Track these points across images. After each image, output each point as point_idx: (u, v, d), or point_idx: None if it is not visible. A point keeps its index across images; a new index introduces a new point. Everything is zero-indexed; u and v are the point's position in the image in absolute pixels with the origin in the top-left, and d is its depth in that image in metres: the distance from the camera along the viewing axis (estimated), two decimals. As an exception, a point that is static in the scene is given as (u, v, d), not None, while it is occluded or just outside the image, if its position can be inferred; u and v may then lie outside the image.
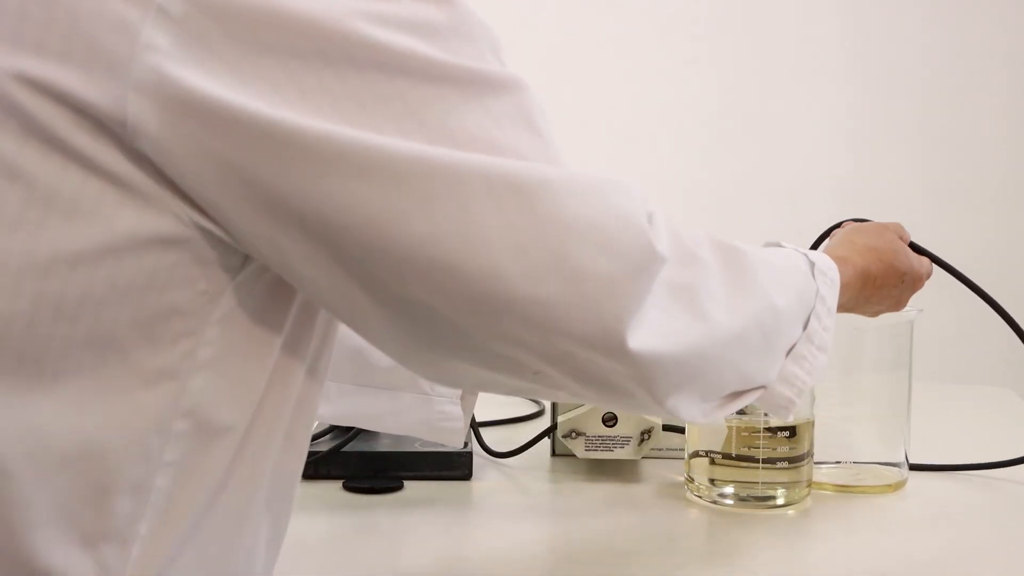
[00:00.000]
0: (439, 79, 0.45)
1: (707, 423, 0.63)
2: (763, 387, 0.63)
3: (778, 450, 0.81)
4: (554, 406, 0.97)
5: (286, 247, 0.45)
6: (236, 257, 0.47)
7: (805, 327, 0.65)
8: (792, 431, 0.82)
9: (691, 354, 0.54)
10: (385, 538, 0.76)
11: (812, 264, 0.67)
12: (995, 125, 2.36)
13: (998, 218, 2.28)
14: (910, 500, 0.87)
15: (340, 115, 0.43)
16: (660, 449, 0.95)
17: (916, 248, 0.82)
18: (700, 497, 0.84)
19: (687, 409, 0.57)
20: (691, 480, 0.85)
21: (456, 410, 0.80)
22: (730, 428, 0.81)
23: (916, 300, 0.82)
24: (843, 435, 0.90)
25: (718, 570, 0.72)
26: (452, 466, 0.89)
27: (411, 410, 0.80)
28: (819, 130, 2.44)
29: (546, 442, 0.98)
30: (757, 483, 0.81)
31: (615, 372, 0.51)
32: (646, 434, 0.89)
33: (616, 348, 0.49)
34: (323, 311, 0.54)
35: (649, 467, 0.95)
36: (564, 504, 0.85)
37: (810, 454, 0.84)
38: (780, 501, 0.82)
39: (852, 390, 0.90)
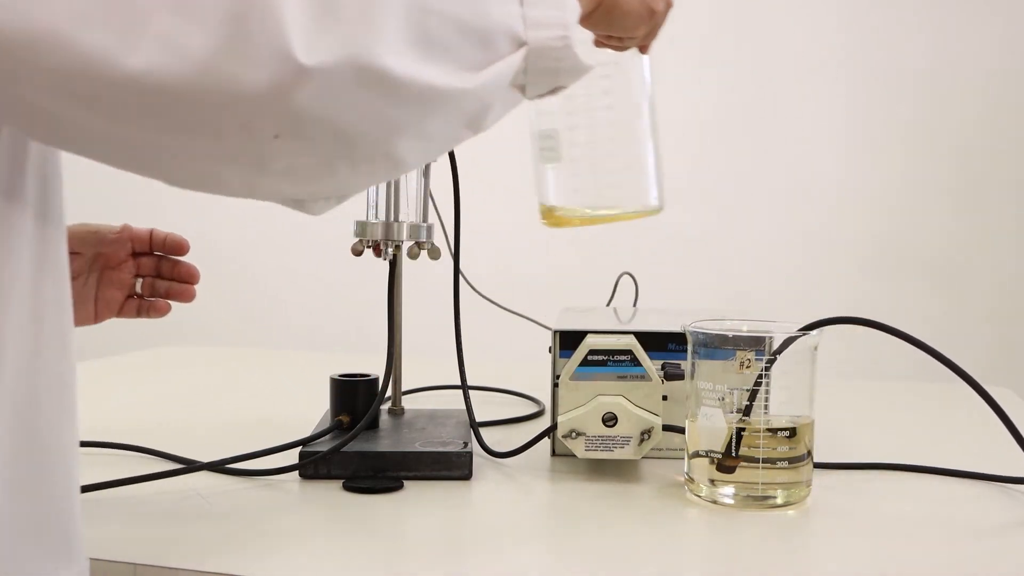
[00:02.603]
0: None
1: (467, 86, 0.59)
2: (521, 43, 0.62)
3: (778, 450, 0.81)
4: (554, 406, 0.97)
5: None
6: None
7: None
8: (792, 431, 0.82)
9: None
10: (385, 538, 0.76)
11: None
12: (994, 125, 2.36)
13: (998, 218, 2.28)
14: (910, 500, 0.87)
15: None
16: (660, 449, 0.95)
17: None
18: (700, 497, 0.84)
19: (412, 65, 0.56)
20: (691, 480, 0.85)
21: None
22: (730, 428, 0.81)
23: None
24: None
25: (718, 570, 0.72)
26: (452, 466, 0.90)
27: None
28: (819, 131, 2.44)
29: (546, 442, 0.98)
30: (757, 483, 0.81)
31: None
32: (646, 434, 0.89)
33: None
34: (33, 159, 0.58)
35: (649, 467, 0.95)
36: (564, 504, 0.85)
37: (810, 454, 0.84)
38: (780, 501, 0.82)
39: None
